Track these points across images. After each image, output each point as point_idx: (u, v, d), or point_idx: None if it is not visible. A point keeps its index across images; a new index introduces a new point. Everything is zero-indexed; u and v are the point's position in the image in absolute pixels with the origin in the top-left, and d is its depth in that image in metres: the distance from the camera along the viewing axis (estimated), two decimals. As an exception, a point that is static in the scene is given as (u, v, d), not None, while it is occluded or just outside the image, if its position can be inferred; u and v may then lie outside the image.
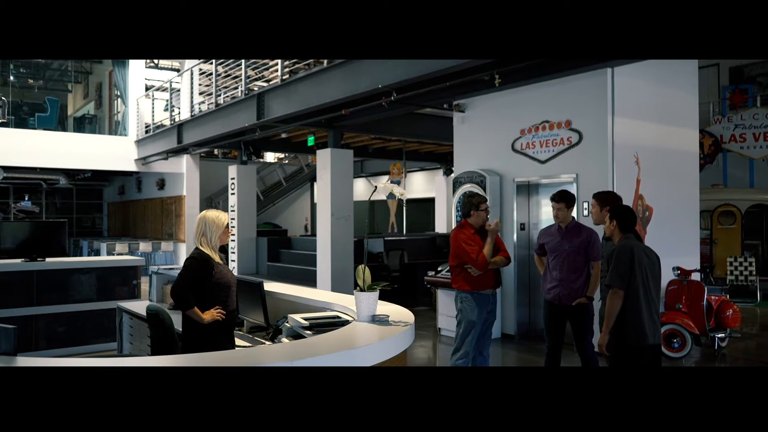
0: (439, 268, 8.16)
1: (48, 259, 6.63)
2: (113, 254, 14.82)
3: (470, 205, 4.78)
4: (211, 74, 11.59)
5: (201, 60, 12.05)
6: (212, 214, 3.63)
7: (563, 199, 4.73)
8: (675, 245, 7.11)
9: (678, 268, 6.73)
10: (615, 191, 5.39)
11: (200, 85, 12.66)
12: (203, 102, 12.45)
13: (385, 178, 16.37)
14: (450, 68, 5.98)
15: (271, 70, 9.93)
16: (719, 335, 6.64)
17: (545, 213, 7.45)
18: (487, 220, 4.82)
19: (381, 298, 3.41)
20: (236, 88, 10.38)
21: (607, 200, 4.38)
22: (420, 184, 17.85)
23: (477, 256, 4.63)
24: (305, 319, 3.46)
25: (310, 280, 10.02)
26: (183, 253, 15.43)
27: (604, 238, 4.39)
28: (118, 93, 17.32)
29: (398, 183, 13.46)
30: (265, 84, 9.91)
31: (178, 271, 3.60)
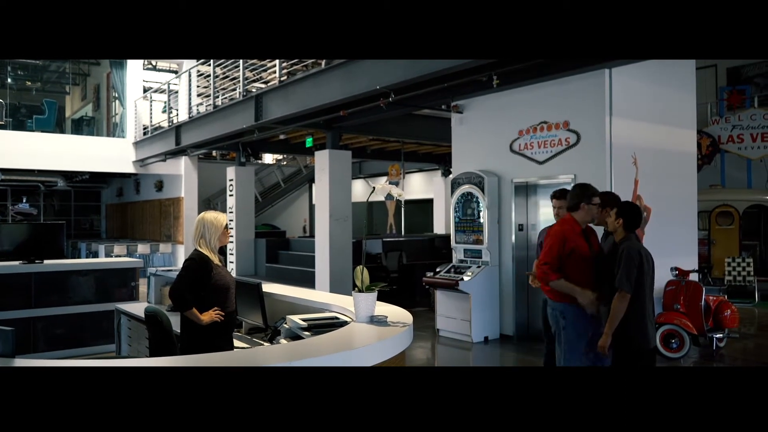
0: (437, 269, 8.15)
1: (46, 261, 6.62)
2: (111, 256, 14.80)
3: (581, 196, 3.94)
4: (209, 76, 11.59)
5: (199, 61, 12.05)
6: (211, 215, 3.63)
7: (564, 196, 4.73)
8: (673, 246, 7.11)
9: (676, 269, 6.73)
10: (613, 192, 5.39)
11: (198, 86, 12.67)
12: (201, 104, 12.45)
13: (384, 179, 16.37)
14: (448, 69, 5.98)
15: (269, 71, 9.93)
16: (717, 335, 6.65)
17: (543, 214, 7.45)
18: (596, 218, 4.00)
19: (379, 299, 3.41)
20: (234, 89, 10.38)
21: (607, 201, 4.36)
22: (418, 185, 17.83)
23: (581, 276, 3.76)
24: (304, 320, 3.46)
25: (308, 282, 10.00)
26: (181, 254, 15.42)
27: (603, 235, 4.38)
28: (116, 95, 17.31)
29: (396, 184, 13.46)
30: (263, 85, 9.91)
31: (177, 273, 3.60)
